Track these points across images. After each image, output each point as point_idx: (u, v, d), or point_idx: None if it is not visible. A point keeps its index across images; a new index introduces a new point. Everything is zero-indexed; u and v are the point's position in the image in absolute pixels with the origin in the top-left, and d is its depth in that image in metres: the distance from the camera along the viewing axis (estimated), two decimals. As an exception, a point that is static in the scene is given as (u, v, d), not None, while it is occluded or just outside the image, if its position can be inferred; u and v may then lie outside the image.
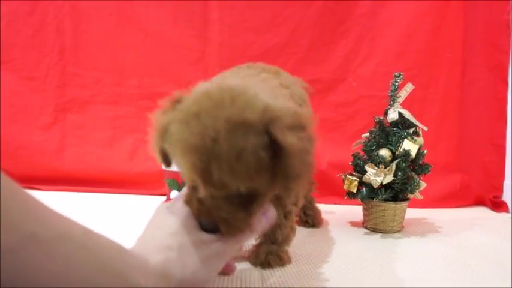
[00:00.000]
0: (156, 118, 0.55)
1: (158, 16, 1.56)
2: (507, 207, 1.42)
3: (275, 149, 0.50)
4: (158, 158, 0.58)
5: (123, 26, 1.56)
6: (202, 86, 0.55)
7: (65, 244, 0.41)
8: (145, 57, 1.56)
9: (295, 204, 0.82)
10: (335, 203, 1.42)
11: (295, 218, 0.84)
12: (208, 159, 0.48)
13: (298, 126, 0.53)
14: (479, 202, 1.50)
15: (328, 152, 1.48)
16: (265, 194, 0.57)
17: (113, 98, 1.57)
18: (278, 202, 0.74)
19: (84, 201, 1.39)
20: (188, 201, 0.57)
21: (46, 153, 1.54)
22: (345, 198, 1.14)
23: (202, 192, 0.53)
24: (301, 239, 1.03)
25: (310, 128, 0.55)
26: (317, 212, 1.18)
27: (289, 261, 0.82)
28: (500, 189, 1.49)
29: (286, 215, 0.79)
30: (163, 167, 0.60)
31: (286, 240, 0.82)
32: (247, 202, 0.56)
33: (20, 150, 1.53)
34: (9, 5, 1.53)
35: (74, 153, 1.56)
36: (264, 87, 0.59)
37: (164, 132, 0.53)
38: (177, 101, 0.54)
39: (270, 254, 0.79)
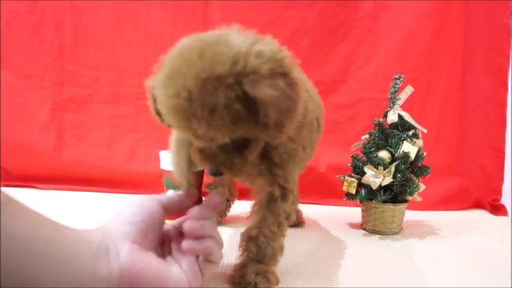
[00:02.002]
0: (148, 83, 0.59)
1: (159, 16, 1.55)
2: (506, 210, 1.42)
3: (249, 100, 0.50)
4: (158, 119, 0.62)
5: (123, 25, 1.56)
6: (180, 43, 0.55)
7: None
8: (145, 56, 1.55)
9: (288, 218, 0.74)
10: (334, 204, 1.42)
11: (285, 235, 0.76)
12: (188, 117, 0.50)
13: (276, 73, 0.51)
14: (478, 205, 1.50)
15: (328, 153, 1.48)
16: (256, 139, 0.59)
17: (112, 97, 1.56)
18: (270, 209, 0.72)
19: (83, 200, 1.39)
20: (193, 152, 0.60)
21: (44, 152, 1.53)
22: (344, 199, 1.14)
23: (196, 144, 0.57)
24: (299, 239, 1.03)
25: (292, 72, 0.53)
26: (299, 212, 1.15)
27: (276, 283, 0.71)
28: (499, 192, 1.49)
29: (279, 225, 0.72)
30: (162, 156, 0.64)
31: (274, 258, 0.73)
32: (241, 147, 0.58)
33: (19, 149, 1.52)
34: (9, 4, 1.53)
35: (72, 152, 1.55)
36: (246, 33, 0.57)
37: (153, 96, 0.57)
38: (161, 64, 0.55)
39: (258, 274, 0.69)
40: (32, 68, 1.56)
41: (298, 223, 1.15)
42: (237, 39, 0.52)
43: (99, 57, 1.57)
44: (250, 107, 0.50)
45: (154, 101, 0.57)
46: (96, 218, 0.61)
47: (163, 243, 0.62)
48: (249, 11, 1.53)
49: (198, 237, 0.59)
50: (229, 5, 1.53)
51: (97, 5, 1.55)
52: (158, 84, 0.53)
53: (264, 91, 0.49)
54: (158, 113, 0.58)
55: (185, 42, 0.54)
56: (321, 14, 1.53)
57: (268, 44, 0.54)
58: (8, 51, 1.54)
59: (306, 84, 0.76)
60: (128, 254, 0.53)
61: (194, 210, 0.61)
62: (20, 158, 1.52)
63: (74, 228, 0.52)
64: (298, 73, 0.56)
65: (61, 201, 1.37)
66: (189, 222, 0.59)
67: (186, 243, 0.59)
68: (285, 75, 0.52)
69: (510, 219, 1.37)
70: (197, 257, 0.60)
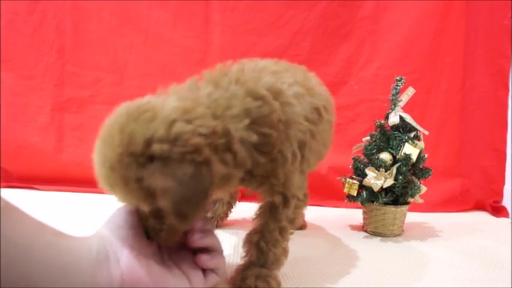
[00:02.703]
0: None
1: (159, 17, 1.55)
2: (507, 212, 1.42)
3: None
4: None
5: (124, 26, 1.56)
6: (119, 107, 0.56)
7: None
8: (146, 57, 1.55)
9: (292, 222, 0.73)
10: (335, 206, 1.42)
11: (289, 238, 0.75)
12: (111, 185, 0.54)
13: (186, 159, 0.51)
14: (479, 207, 1.50)
15: (329, 155, 1.47)
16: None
17: (112, 98, 1.56)
18: (272, 215, 0.71)
19: (83, 201, 1.39)
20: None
21: (45, 153, 1.53)
22: (345, 201, 1.14)
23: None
24: (300, 241, 1.03)
25: (204, 155, 0.52)
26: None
27: (277, 286, 0.71)
28: (500, 194, 1.49)
29: (281, 231, 0.72)
30: None
31: (278, 262, 0.73)
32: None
33: (20, 149, 1.52)
34: (10, 4, 1.53)
35: (72, 153, 1.55)
36: (188, 97, 0.57)
37: None
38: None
39: (259, 278, 0.69)
40: (32, 69, 1.56)
41: (300, 226, 1.14)
42: (162, 114, 0.52)
43: (99, 58, 1.57)
44: (148, 189, 0.51)
45: None
46: (97, 219, 0.60)
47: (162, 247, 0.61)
48: (250, 12, 1.53)
49: (209, 252, 0.60)
50: (230, 5, 1.53)
51: (97, 6, 1.55)
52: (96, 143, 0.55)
53: (158, 181, 0.50)
54: None
55: (119, 110, 0.55)
56: (323, 15, 1.53)
57: (194, 119, 0.53)
58: (8, 52, 1.54)
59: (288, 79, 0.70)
60: (127, 260, 0.53)
61: (199, 224, 0.60)
62: (20, 159, 1.52)
63: (73, 236, 0.52)
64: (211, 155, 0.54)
65: (61, 202, 1.37)
66: (200, 237, 0.60)
67: (202, 259, 0.59)
68: (195, 163, 0.51)
69: (511, 221, 1.37)
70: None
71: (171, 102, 0.55)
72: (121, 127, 0.52)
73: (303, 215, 1.13)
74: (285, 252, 0.74)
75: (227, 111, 0.58)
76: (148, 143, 0.50)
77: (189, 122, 0.53)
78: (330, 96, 0.89)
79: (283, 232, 0.72)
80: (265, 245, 0.70)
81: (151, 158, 0.50)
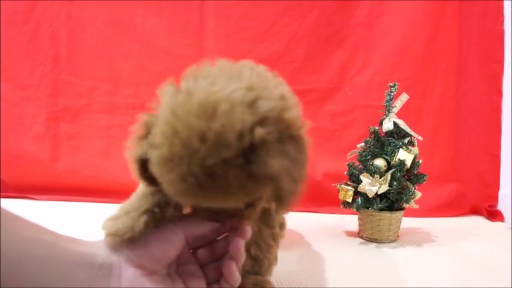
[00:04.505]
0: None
1: (154, 25, 1.56)
2: (502, 216, 1.43)
3: (261, 175, 0.45)
4: (144, 182, 0.54)
5: (119, 35, 1.56)
6: (170, 102, 0.46)
7: None
8: (141, 66, 1.55)
9: (282, 227, 0.74)
10: (331, 213, 1.42)
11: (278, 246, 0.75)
12: (198, 198, 0.46)
13: (284, 138, 0.46)
14: (474, 211, 1.50)
15: (324, 161, 1.48)
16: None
17: (107, 107, 1.56)
18: (265, 222, 0.70)
19: (79, 211, 1.39)
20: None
21: (40, 163, 1.53)
22: (341, 207, 1.14)
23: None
24: (296, 248, 1.03)
25: (299, 130, 0.48)
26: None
27: None
28: (495, 198, 1.49)
29: (274, 237, 0.71)
30: None
31: (270, 268, 0.73)
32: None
33: (15, 159, 1.52)
34: (4, 13, 1.53)
35: (68, 162, 1.54)
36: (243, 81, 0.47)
37: (139, 159, 0.50)
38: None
39: (256, 285, 0.70)
40: (27, 78, 1.56)
41: None
42: (236, 100, 0.43)
43: (94, 67, 1.57)
44: (263, 180, 0.45)
45: (142, 165, 0.50)
46: (93, 229, 0.60)
47: (181, 264, 0.57)
48: (245, 20, 1.54)
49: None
50: (225, 14, 1.54)
51: (92, 15, 1.56)
52: (154, 161, 0.46)
53: (274, 165, 0.44)
54: (146, 177, 0.51)
55: (179, 112, 0.44)
56: (316, 22, 1.54)
57: (271, 97, 0.46)
58: (3, 62, 1.54)
59: None
60: (129, 281, 0.50)
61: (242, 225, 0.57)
62: (15, 169, 1.51)
63: (79, 242, 0.50)
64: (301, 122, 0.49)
65: (57, 211, 1.37)
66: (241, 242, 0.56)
67: (232, 268, 0.55)
68: (292, 138, 0.47)
69: (509, 225, 1.37)
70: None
71: (224, 84, 0.45)
72: (200, 134, 0.42)
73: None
74: (275, 258, 0.74)
75: None
76: (240, 137, 0.43)
77: (265, 98, 0.45)
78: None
79: (276, 238, 0.72)
80: (260, 253, 0.71)
81: (246, 156, 0.43)
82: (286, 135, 0.46)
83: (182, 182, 0.44)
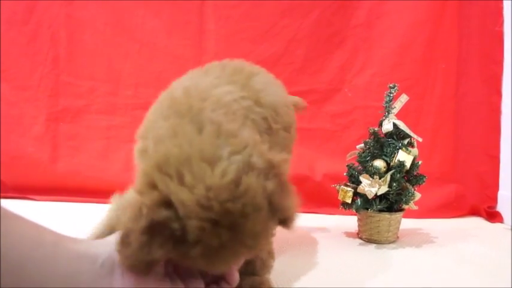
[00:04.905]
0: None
1: (154, 26, 1.56)
2: (501, 217, 1.43)
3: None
4: None
5: (119, 35, 1.56)
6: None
7: None
8: (141, 67, 1.55)
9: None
10: (330, 214, 1.42)
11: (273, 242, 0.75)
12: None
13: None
14: (474, 212, 1.50)
15: (323, 162, 1.48)
16: None
17: (107, 107, 1.56)
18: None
19: (79, 211, 1.39)
20: None
21: (40, 163, 1.53)
22: (340, 208, 1.14)
23: None
24: (295, 249, 1.03)
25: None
26: None
27: None
28: (494, 199, 1.49)
29: None
30: None
31: (266, 267, 0.74)
32: None
33: (15, 160, 1.52)
34: (4, 14, 1.53)
35: (67, 163, 1.54)
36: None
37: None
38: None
39: (253, 287, 0.71)
40: (27, 79, 1.56)
41: None
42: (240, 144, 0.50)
43: (94, 68, 1.57)
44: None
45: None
46: (92, 229, 0.60)
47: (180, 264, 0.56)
48: (244, 21, 1.54)
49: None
50: (225, 14, 1.54)
51: (92, 16, 1.56)
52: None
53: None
54: None
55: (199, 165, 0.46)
56: (316, 23, 1.54)
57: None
58: (3, 63, 1.54)
59: None
60: (131, 280, 0.50)
61: None
62: (15, 169, 1.51)
63: (81, 241, 0.50)
64: None
65: (57, 212, 1.37)
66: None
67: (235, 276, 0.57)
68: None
69: (508, 226, 1.37)
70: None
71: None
72: (235, 180, 0.46)
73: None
74: (271, 254, 0.75)
75: None
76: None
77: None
78: None
79: None
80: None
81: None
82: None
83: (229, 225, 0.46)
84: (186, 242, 0.45)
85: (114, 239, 0.52)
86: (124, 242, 0.47)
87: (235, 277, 0.56)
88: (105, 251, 0.50)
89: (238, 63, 0.79)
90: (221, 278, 0.56)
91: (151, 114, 0.65)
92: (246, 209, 0.46)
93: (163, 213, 0.45)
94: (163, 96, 0.67)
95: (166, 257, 0.47)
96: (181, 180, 0.45)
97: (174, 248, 0.46)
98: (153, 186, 0.47)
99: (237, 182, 0.46)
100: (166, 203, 0.45)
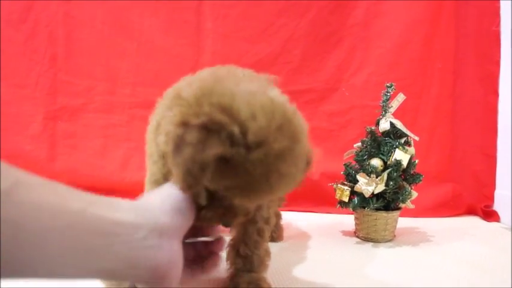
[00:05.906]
0: None
1: (151, 25, 1.56)
2: (498, 216, 1.43)
3: None
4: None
5: (116, 34, 1.56)
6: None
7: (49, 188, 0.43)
8: (139, 66, 1.55)
9: (267, 222, 0.74)
10: (327, 212, 1.42)
11: (268, 239, 0.76)
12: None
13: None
14: (470, 211, 1.51)
15: (321, 161, 1.48)
16: None
17: (105, 106, 1.56)
18: (248, 219, 0.69)
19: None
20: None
21: (37, 162, 1.52)
22: (337, 207, 1.14)
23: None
24: (292, 248, 1.03)
25: None
26: (280, 228, 1.11)
27: None
28: (491, 198, 1.50)
29: (259, 232, 0.73)
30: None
31: (263, 264, 0.74)
32: None
33: (12, 158, 1.50)
34: (1, 13, 1.52)
35: (65, 162, 1.54)
36: None
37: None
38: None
39: (251, 283, 0.70)
40: (24, 78, 1.55)
41: (273, 238, 1.06)
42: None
43: (92, 67, 1.57)
44: None
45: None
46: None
47: None
48: (242, 20, 1.54)
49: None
50: (222, 13, 1.54)
51: (90, 14, 1.55)
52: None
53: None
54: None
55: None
56: (313, 22, 1.54)
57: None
58: (0, 61, 1.54)
59: None
60: (171, 254, 0.47)
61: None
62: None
63: (119, 207, 0.46)
64: None
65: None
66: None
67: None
68: None
69: (505, 226, 1.37)
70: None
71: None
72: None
73: (282, 229, 1.12)
74: (268, 253, 0.75)
75: None
76: None
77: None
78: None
79: (261, 233, 0.73)
80: (247, 249, 0.72)
81: None
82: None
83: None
84: (244, 144, 0.47)
85: (161, 205, 0.49)
86: (177, 148, 0.48)
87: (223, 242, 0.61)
88: (150, 222, 0.46)
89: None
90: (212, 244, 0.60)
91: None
92: (297, 129, 0.51)
93: (221, 117, 0.47)
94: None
95: (217, 164, 0.47)
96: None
97: (230, 148, 0.46)
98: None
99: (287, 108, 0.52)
100: (226, 108, 0.48)
